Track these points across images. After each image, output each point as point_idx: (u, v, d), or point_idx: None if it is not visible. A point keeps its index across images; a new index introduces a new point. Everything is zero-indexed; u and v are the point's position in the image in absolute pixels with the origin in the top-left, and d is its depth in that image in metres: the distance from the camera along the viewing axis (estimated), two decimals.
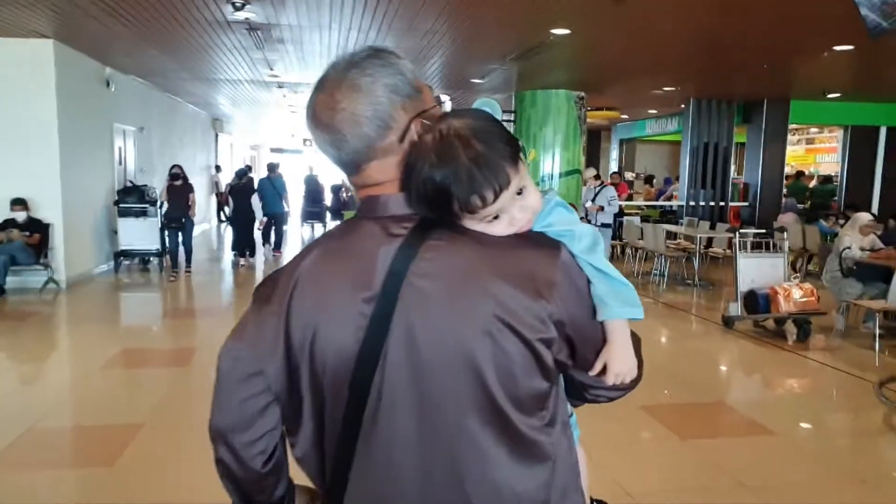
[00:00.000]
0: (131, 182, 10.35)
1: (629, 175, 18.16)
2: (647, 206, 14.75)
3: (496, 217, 0.99)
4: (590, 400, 1.13)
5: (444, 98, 1.74)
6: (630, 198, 15.46)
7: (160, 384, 4.96)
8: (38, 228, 8.03)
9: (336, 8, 6.62)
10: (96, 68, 9.52)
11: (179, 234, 9.56)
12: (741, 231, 7.48)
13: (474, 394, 0.96)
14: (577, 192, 11.61)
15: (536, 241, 1.02)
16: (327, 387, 1.00)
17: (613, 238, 11.29)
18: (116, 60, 9.57)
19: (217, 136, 18.64)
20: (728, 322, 6.98)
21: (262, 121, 19.12)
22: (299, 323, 1.00)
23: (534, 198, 1.01)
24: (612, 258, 9.70)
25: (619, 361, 1.05)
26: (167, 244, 9.85)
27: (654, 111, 15.47)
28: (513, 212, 0.99)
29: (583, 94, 11.44)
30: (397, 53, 1.07)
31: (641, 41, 7.99)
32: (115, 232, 9.73)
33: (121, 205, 9.52)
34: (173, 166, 9.81)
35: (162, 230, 9.79)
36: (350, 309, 0.98)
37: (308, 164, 18.49)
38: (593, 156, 18.25)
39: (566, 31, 7.44)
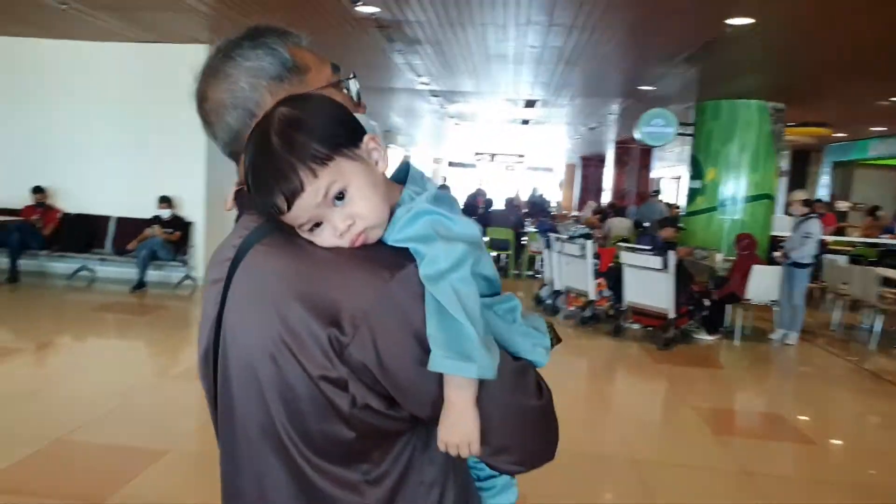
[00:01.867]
0: None
1: (843, 205, 15.37)
2: (861, 242, 12.22)
3: (317, 225, 0.86)
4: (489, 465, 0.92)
5: (349, 79, 1.01)
6: (840, 231, 12.96)
7: None
8: (179, 226, 8.22)
9: (463, 1, 5.90)
10: None
11: None
12: None
13: (263, 420, 0.87)
14: (764, 220, 9.83)
15: (372, 259, 0.85)
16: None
17: (813, 280, 9.02)
18: None
19: (387, 147, 18.75)
20: None
21: (425, 131, 18.95)
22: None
23: (360, 206, 0.85)
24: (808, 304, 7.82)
25: (445, 427, 0.83)
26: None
27: (880, 128, 12.87)
28: (334, 221, 0.85)
29: (781, 105, 9.62)
30: (281, 30, 0.97)
31: (859, 32, 6.24)
32: None
33: None
34: None
35: None
36: (210, 307, 0.95)
37: (478, 178, 18.00)
38: (797, 181, 15.74)
39: (748, 21, 6.03)
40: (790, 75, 8.39)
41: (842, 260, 9.57)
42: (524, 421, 0.89)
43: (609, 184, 18.00)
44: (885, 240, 12.15)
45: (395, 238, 0.86)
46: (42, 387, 4.74)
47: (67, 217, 8.47)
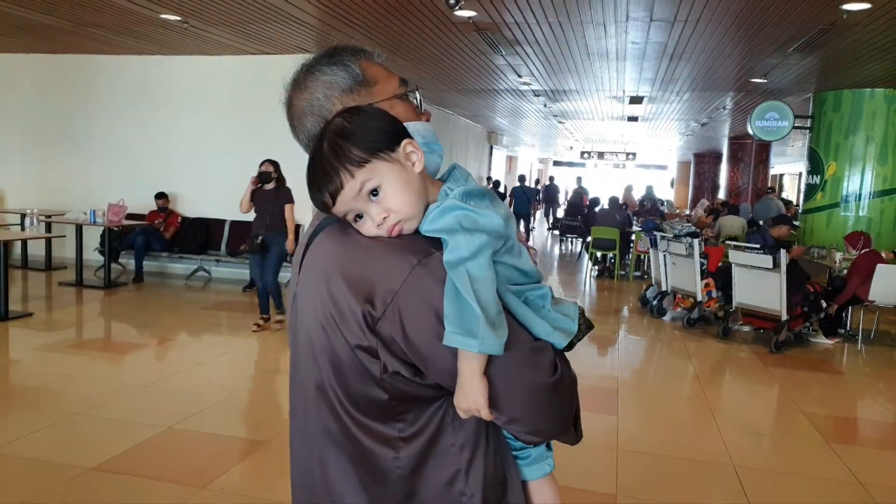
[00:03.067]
0: None
1: None
2: None
3: (360, 217, 0.99)
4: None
5: (411, 91, 1.13)
6: None
7: None
8: None
9: (559, 0, 5.83)
10: None
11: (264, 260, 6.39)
12: None
13: (317, 379, 1.02)
14: (895, 216, 9.08)
15: (404, 247, 0.97)
16: None
17: None
18: None
19: (492, 148, 18.80)
20: None
21: (530, 131, 18.72)
22: None
23: (392, 201, 0.97)
24: None
25: (458, 394, 0.95)
26: (251, 275, 7.55)
27: None
28: (372, 213, 0.98)
29: None
30: (356, 49, 1.11)
31: None
32: None
33: None
34: (263, 162, 6.42)
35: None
36: (293, 284, 1.11)
37: (580, 176, 17.63)
38: None
39: (865, 6, 5.62)
40: None
41: None
42: (534, 395, 0.97)
43: (724, 181, 17.16)
44: None
45: (426, 229, 0.97)
46: (159, 379, 5.09)
47: (186, 221, 9.11)
